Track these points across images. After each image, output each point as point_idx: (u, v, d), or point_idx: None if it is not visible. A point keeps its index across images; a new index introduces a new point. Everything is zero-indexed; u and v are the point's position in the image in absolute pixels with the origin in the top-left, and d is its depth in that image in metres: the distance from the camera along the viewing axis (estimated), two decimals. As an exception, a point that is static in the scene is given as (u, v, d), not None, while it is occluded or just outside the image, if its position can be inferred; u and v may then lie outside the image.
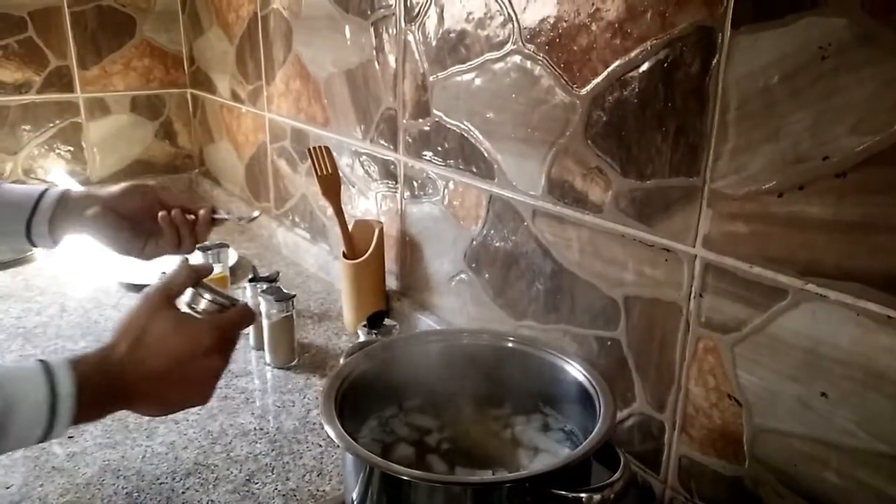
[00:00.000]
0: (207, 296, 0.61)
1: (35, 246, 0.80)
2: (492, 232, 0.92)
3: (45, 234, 0.78)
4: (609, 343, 0.79)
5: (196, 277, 0.62)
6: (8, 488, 0.78)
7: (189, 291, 0.61)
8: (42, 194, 0.78)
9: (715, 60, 0.62)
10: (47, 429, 0.53)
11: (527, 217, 0.86)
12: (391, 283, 1.15)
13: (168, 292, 0.60)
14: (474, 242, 0.96)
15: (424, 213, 1.05)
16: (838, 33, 0.53)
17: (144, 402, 0.58)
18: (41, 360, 0.54)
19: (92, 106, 1.75)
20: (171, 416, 0.90)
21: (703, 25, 0.62)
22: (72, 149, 1.76)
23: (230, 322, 0.61)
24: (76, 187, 0.84)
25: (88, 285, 1.32)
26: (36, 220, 0.77)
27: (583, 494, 0.53)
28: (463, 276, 0.99)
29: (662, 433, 0.75)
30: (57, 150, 1.73)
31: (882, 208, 0.53)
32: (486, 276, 0.95)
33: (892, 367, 0.54)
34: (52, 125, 1.71)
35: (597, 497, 0.53)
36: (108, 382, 0.56)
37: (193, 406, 0.61)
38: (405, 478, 0.54)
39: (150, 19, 1.75)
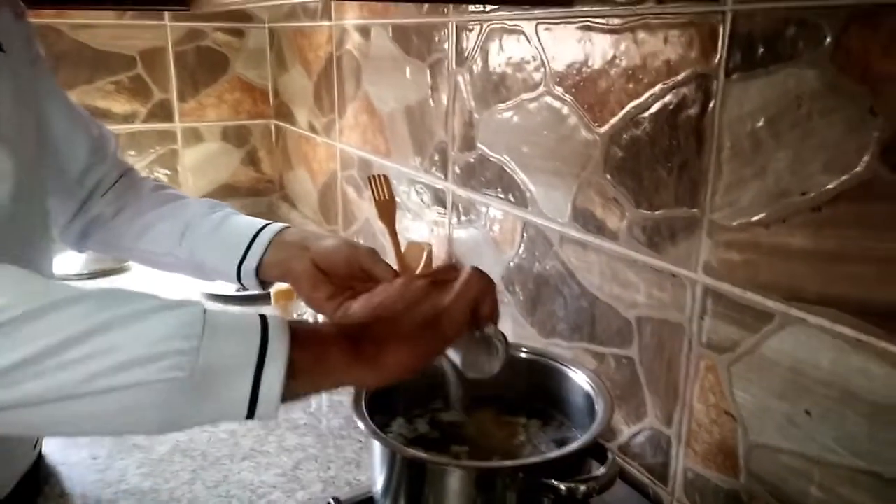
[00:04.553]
0: None
1: (246, 288, 0.78)
2: (525, 255, 1.00)
3: (252, 278, 0.76)
4: (624, 361, 0.85)
5: None
6: (95, 459, 0.91)
7: None
8: (257, 234, 0.76)
9: (711, 105, 0.69)
10: (262, 355, 0.46)
11: (555, 242, 0.94)
12: (439, 301, 1.24)
13: None
14: (510, 265, 1.04)
15: (469, 237, 1.14)
16: (811, 83, 0.59)
17: (389, 341, 0.52)
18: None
19: (188, 134, 1.95)
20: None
21: (702, 73, 0.69)
22: (169, 172, 1.95)
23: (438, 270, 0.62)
24: (291, 229, 0.78)
25: (174, 294, 1.47)
26: (245, 265, 0.75)
27: (569, 485, 0.60)
28: (500, 296, 1.07)
29: (670, 447, 0.81)
30: (156, 173, 1.93)
31: (853, 241, 0.58)
32: (520, 296, 1.03)
33: (864, 387, 0.59)
34: (153, 151, 1.91)
35: (582, 487, 0.60)
36: (332, 325, 0.56)
37: (445, 335, 0.55)
38: (417, 459, 0.63)
39: (241, 57, 1.94)
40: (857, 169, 0.57)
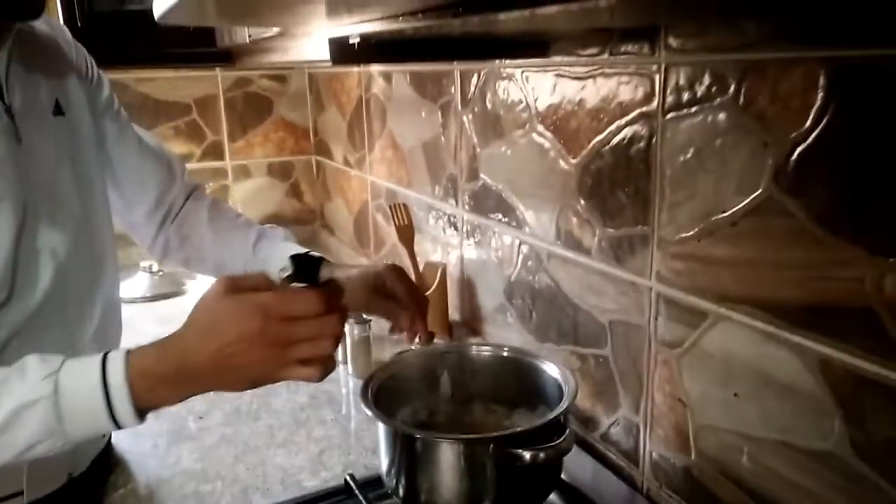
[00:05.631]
0: (289, 273, 0.67)
1: None
2: (522, 271, 1.14)
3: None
4: (601, 360, 0.98)
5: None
6: (156, 447, 1.08)
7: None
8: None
9: (654, 139, 0.82)
10: (111, 415, 0.63)
11: (544, 258, 1.07)
12: (455, 315, 1.39)
13: (234, 283, 0.64)
14: (511, 280, 1.18)
15: (477, 257, 1.28)
16: (722, 122, 0.73)
17: (213, 382, 0.65)
18: (105, 353, 0.65)
19: (237, 171, 2.15)
20: (271, 406, 1.19)
21: (646, 113, 0.83)
22: (221, 205, 2.16)
23: (288, 301, 0.63)
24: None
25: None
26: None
27: (531, 452, 0.73)
28: (503, 307, 1.21)
29: (639, 433, 0.93)
30: (209, 207, 2.14)
31: (761, 250, 0.71)
32: (519, 307, 1.17)
33: (772, 370, 0.71)
34: (207, 186, 2.12)
35: (542, 454, 0.73)
36: (171, 369, 0.64)
37: (269, 380, 0.65)
38: (408, 434, 0.78)
39: (284, 100, 2.15)
40: (759, 190, 0.70)
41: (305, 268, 0.68)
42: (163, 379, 0.64)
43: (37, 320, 0.81)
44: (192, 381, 0.65)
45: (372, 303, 0.90)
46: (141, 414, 0.65)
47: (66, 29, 0.95)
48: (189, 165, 2.07)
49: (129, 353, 0.65)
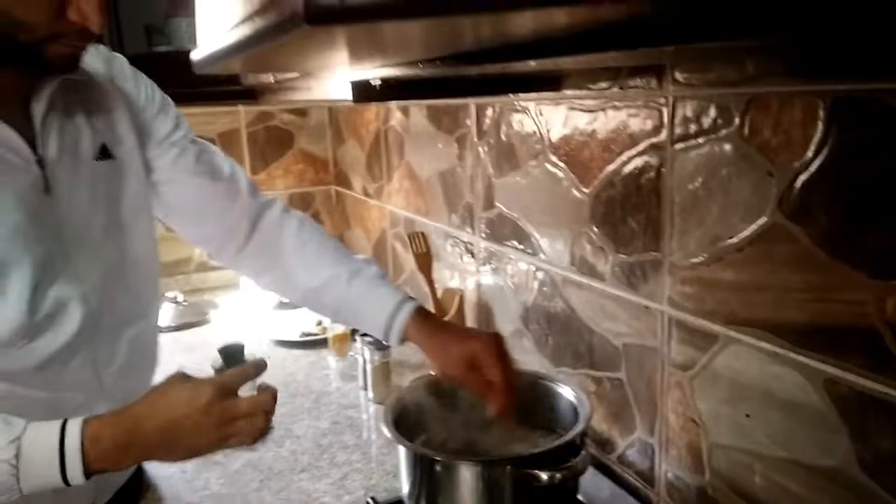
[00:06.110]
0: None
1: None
2: (538, 297, 1.17)
3: (396, 341, 0.94)
4: (616, 383, 1.00)
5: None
6: (184, 472, 1.11)
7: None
8: (394, 315, 0.92)
9: (664, 169, 0.86)
10: (63, 475, 0.69)
11: (559, 284, 1.10)
12: (472, 341, 1.41)
13: (185, 374, 0.75)
14: (527, 305, 1.21)
15: (494, 283, 1.32)
16: (728, 152, 0.76)
17: (159, 451, 0.74)
18: (66, 419, 0.71)
19: (259, 202, 2.21)
20: (293, 432, 1.22)
21: (656, 144, 0.87)
22: (242, 235, 2.21)
23: (229, 377, 0.76)
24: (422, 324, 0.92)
25: (246, 341, 1.69)
26: (387, 338, 0.94)
27: (548, 472, 0.76)
28: (520, 332, 1.24)
29: (654, 454, 0.95)
30: (232, 237, 2.20)
31: (765, 274, 0.74)
32: (535, 331, 1.19)
33: (780, 390, 0.74)
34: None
35: (558, 475, 0.76)
36: (122, 437, 0.71)
37: (206, 452, 0.76)
38: (427, 456, 0.80)
39: (304, 133, 2.21)
40: (764, 217, 0.73)
41: (232, 357, 0.76)
42: (114, 445, 0.72)
43: (64, 354, 0.81)
44: (140, 449, 0.73)
45: (466, 379, 0.89)
46: (88, 476, 0.71)
47: (124, 61, 0.93)
48: (212, 197, 2.14)
49: (86, 420, 0.72)
